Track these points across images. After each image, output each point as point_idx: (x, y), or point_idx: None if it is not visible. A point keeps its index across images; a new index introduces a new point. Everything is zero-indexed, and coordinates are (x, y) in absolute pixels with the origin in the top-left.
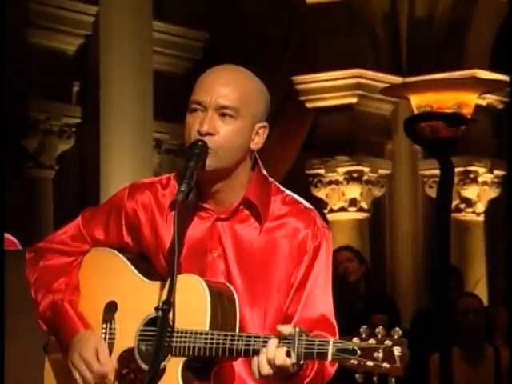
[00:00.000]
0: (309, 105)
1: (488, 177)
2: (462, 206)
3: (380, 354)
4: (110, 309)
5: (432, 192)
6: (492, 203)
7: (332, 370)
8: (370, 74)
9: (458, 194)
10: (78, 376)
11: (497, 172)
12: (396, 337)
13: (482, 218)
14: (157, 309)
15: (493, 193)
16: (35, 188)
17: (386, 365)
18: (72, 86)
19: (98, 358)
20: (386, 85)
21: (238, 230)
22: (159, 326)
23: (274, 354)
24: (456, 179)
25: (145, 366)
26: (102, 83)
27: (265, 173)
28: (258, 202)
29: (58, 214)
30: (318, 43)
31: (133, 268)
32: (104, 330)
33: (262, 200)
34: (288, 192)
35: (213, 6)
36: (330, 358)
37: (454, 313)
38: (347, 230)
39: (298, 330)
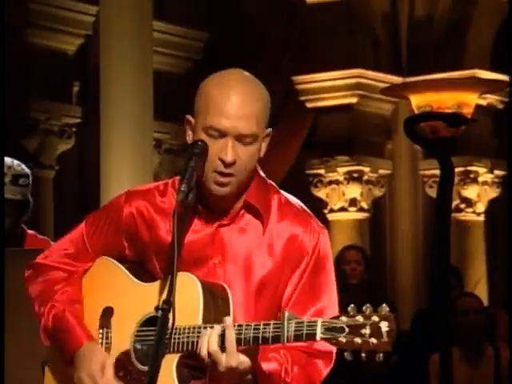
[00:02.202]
0: (309, 105)
1: (488, 177)
2: (462, 205)
3: (367, 330)
4: (107, 314)
5: (432, 192)
6: (492, 203)
7: (325, 370)
8: (370, 73)
9: (458, 194)
10: None
11: (497, 172)
12: (383, 313)
13: (482, 218)
14: (157, 308)
15: (493, 193)
16: (35, 188)
17: (373, 340)
18: (72, 86)
19: (103, 374)
20: (386, 85)
21: (240, 235)
22: (159, 326)
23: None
24: (456, 179)
25: (141, 367)
26: (101, 83)
27: (262, 174)
28: (258, 204)
29: (57, 213)
30: (318, 43)
31: (129, 274)
32: (101, 336)
33: (262, 202)
34: (283, 192)
35: (213, 5)
36: (318, 337)
37: (454, 313)
38: (347, 229)
39: (286, 313)
